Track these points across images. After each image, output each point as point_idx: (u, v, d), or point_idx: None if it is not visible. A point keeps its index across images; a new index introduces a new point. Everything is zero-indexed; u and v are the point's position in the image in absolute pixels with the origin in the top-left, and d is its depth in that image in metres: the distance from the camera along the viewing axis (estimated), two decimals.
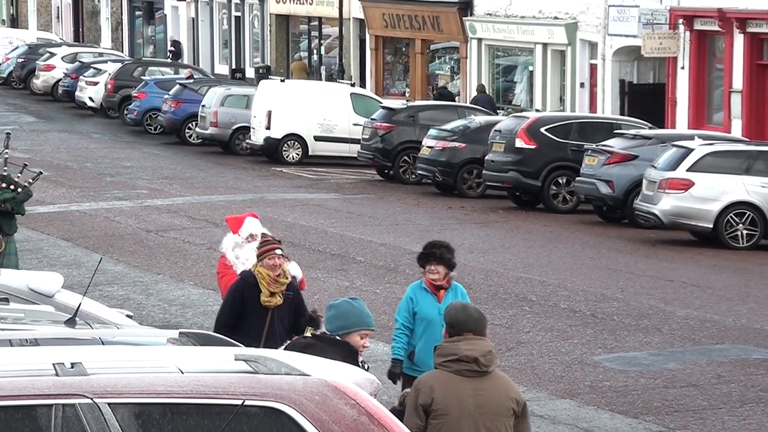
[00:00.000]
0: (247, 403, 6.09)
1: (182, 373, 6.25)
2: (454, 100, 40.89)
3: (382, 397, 8.08)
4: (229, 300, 11.59)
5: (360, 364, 8.48)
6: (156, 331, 8.92)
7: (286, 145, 37.29)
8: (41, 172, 17.09)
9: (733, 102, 35.38)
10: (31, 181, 16.42)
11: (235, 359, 6.38)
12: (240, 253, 12.61)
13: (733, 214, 25.47)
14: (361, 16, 48.36)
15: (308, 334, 10.67)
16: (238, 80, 49.38)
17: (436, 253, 11.28)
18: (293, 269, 12.13)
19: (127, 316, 11.12)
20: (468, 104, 38.80)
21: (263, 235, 12.17)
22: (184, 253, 22.95)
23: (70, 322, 7.78)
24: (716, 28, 35.78)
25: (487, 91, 41.54)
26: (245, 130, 38.31)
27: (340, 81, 44.74)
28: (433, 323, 11.11)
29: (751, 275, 22.51)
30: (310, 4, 51.04)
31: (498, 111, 38.68)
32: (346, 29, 48.80)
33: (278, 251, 11.50)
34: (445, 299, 11.13)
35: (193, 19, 59.38)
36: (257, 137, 37.50)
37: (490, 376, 7.83)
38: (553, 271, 22.17)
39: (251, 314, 11.43)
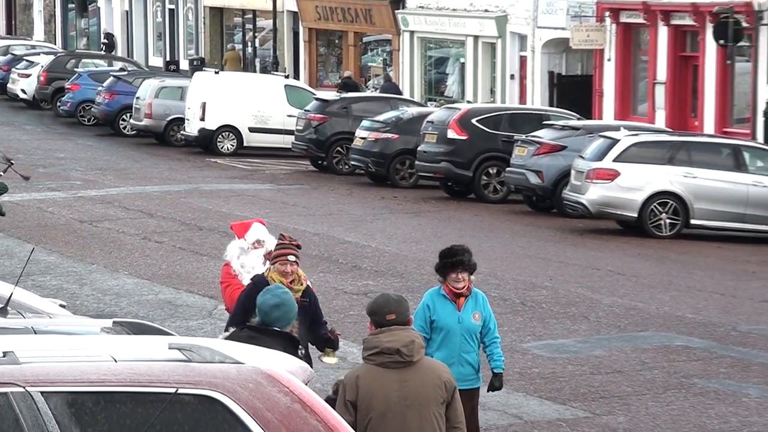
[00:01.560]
0: (180, 391, 6.07)
1: (115, 361, 6.22)
2: (358, 90, 40.96)
3: (315, 385, 8.08)
4: (240, 307, 10.48)
5: (299, 353, 8.48)
6: (89, 320, 8.87)
7: (220, 136, 37.16)
8: (11, 162, 16.74)
9: (657, 93, 35.65)
10: (2, 173, 16.10)
11: (169, 348, 6.36)
12: (246, 261, 11.57)
13: (657, 204, 25.67)
14: (295, 9, 48.29)
15: (327, 360, 10.68)
16: (172, 72, 49.13)
17: (463, 261, 10.26)
18: None
19: (60, 305, 11.03)
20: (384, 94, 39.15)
21: (280, 236, 10.96)
22: (118, 244, 22.82)
23: (2, 312, 7.72)
24: (641, 20, 36.03)
25: (393, 80, 42.19)
26: (180, 121, 38.13)
27: (274, 73, 44.64)
28: (453, 332, 10.25)
29: (673, 264, 22.70)
30: None
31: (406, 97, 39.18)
32: (280, 22, 48.66)
33: (291, 257, 10.59)
34: (465, 307, 10.30)
35: (126, 11, 59.03)
36: (192, 128, 37.35)
37: (416, 366, 7.78)
38: (484, 260, 22.17)
39: None
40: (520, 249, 23.73)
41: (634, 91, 37.06)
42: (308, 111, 34.83)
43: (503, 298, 19.04)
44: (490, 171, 30.22)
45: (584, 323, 17.64)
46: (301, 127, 34.69)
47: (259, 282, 10.37)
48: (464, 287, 10.28)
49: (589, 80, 37.94)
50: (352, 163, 32.95)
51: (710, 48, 33.89)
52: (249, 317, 9.43)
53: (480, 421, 13.08)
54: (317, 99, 35.77)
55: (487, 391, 10.47)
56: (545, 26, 38.71)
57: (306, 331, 10.41)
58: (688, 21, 34.72)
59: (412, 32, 43.73)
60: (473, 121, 30.50)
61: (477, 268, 10.49)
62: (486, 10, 40.73)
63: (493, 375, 10.30)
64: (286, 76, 42.64)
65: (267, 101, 37.18)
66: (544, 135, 28.70)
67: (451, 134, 30.26)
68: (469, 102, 37.96)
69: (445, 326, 10.22)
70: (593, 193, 25.82)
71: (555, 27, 38.23)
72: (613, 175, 25.80)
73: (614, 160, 25.90)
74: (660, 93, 35.53)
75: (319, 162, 34.89)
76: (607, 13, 36.83)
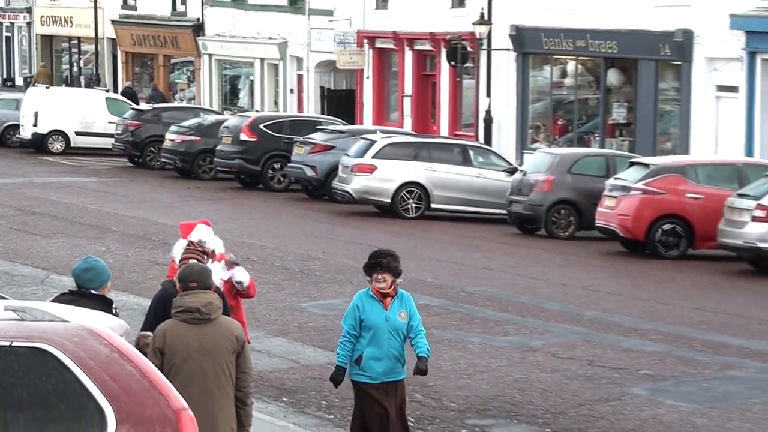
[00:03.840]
0: (15, 344, 5.90)
1: None
2: (164, 100, 41.12)
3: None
4: (152, 310, 9.12)
5: (113, 311, 8.29)
6: None
7: (51, 138, 36.45)
8: None
9: (405, 104, 36.07)
10: None
11: (5, 309, 6.19)
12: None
13: (405, 192, 25.98)
14: (114, 36, 47.51)
15: None
16: (8, 87, 48.11)
17: (383, 263, 9.24)
18: (239, 274, 10.19)
19: None
20: (190, 105, 39.06)
21: (189, 242, 9.48)
22: None
23: None
24: (392, 46, 36.38)
25: (158, 89, 43.21)
26: (15, 127, 37.47)
27: (97, 88, 43.86)
28: (380, 330, 9.22)
29: (417, 239, 22.98)
30: (71, 26, 49.88)
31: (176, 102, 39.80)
32: (101, 46, 47.88)
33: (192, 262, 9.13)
34: (392, 307, 9.28)
35: None
36: (26, 132, 36.71)
37: (213, 322, 7.70)
38: (270, 237, 22.18)
39: None
40: (298, 228, 23.74)
41: (388, 102, 37.43)
42: (126, 118, 34.53)
43: (285, 268, 19.01)
44: (275, 166, 30.17)
45: (349, 287, 17.72)
46: (120, 131, 34.31)
47: (168, 287, 8.90)
48: (387, 287, 9.21)
49: (352, 94, 38.16)
50: (163, 160, 32.52)
51: (444, 68, 34.44)
52: (160, 321, 8.21)
53: (266, 366, 13.05)
54: (133, 108, 35.54)
55: (414, 374, 9.40)
56: (317, 50, 38.79)
57: None
58: (427, 47, 35.21)
59: (210, 55, 43.40)
60: (261, 126, 30.41)
61: (402, 272, 9.33)
62: (270, 38, 40.70)
63: (418, 359, 9.25)
64: (107, 91, 41.88)
65: (91, 110, 36.71)
66: (318, 137, 28.76)
67: (243, 137, 30.11)
68: (257, 111, 37.85)
69: (373, 325, 9.22)
70: (356, 184, 26.00)
71: (325, 51, 38.34)
72: (371, 168, 26.01)
73: (373, 157, 26.12)
74: (407, 104, 35.97)
75: (135, 159, 34.40)
76: (366, 41, 37.10)
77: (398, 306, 9.28)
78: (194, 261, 8.31)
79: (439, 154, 26.42)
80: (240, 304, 10.46)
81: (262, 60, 41.20)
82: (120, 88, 46.52)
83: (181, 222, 10.47)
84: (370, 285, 9.29)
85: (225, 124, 31.05)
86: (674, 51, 29.04)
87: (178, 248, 9.77)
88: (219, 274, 9.80)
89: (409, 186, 25.93)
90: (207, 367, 7.61)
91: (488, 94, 32.59)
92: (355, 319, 9.26)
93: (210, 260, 9.43)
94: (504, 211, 24.90)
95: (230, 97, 43.75)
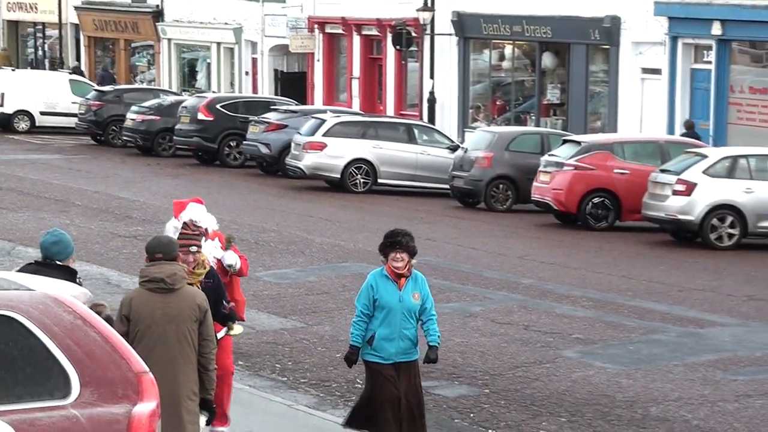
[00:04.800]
0: None
1: None
2: (114, 81, 40.84)
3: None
4: None
5: (77, 280, 8.21)
6: None
7: (17, 118, 36.00)
8: None
9: (353, 85, 35.97)
10: None
11: None
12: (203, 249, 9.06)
13: (354, 168, 25.94)
14: (77, 22, 46.96)
15: (233, 332, 9.06)
16: None
17: (402, 242, 8.66)
18: (228, 258, 9.39)
19: None
20: (149, 86, 38.78)
21: (184, 224, 8.67)
22: None
23: None
24: (341, 31, 36.24)
25: (109, 70, 43.32)
26: None
27: (61, 70, 43.36)
28: (394, 311, 8.64)
29: (366, 212, 22.99)
30: (36, 12, 49.27)
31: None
32: (65, 31, 47.32)
33: (193, 248, 8.51)
34: (406, 287, 8.69)
35: None
36: None
37: (178, 292, 7.65)
38: (227, 211, 22.06)
39: None
40: (254, 202, 23.65)
41: (337, 84, 37.31)
42: (89, 99, 34.15)
43: (241, 239, 18.90)
44: (231, 144, 30.01)
45: (301, 257, 17.71)
46: (83, 111, 33.95)
47: None
48: (403, 267, 8.64)
49: (304, 76, 38.00)
50: (124, 138, 32.24)
51: (390, 52, 34.37)
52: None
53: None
54: (96, 90, 35.09)
55: (423, 363, 8.85)
56: (271, 35, 38.57)
57: (213, 306, 8.39)
58: (374, 32, 35.11)
59: (169, 39, 43.01)
60: (218, 106, 30.22)
61: (417, 251, 8.84)
62: (226, 23, 40.40)
63: (429, 347, 8.75)
64: (71, 73, 41.43)
65: (55, 92, 36.33)
66: (272, 116, 28.63)
67: (201, 116, 29.93)
68: (214, 92, 37.61)
69: (387, 305, 8.62)
70: (308, 160, 25.92)
71: (278, 36, 38.12)
72: (322, 146, 25.94)
73: (323, 135, 26.04)
74: (355, 85, 35.87)
75: (98, 138, 34.08)
76: (316, 26, 36.93)
77: (412, 287, 8.70)
78: (161, 237, 8.07)
79: (385, 133, 26.41)
80: (235, 282, 9.68)
81: (219, 44, 40.92)
82: (87, 72, 46.10)
83: (174, 200, 9.62)
84: (385, 265, 8.68)
85: (183, 104, 30.84)
86: (603, 36, 29.20)
87: (170, 227, 8.94)
88: (213, 252, 9.21)
89: (358, 162, 25.92)
90: (170, 333, 7.58)
91: (431, 77, 32.60)
92: (369, 298, 8.65)
93: (204, 239, 8.85)
94: (446, 186, 24.96)
95: (188, 79, 43.43)
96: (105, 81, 39.79)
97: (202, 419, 7.63)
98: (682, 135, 25.44)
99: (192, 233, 8.60)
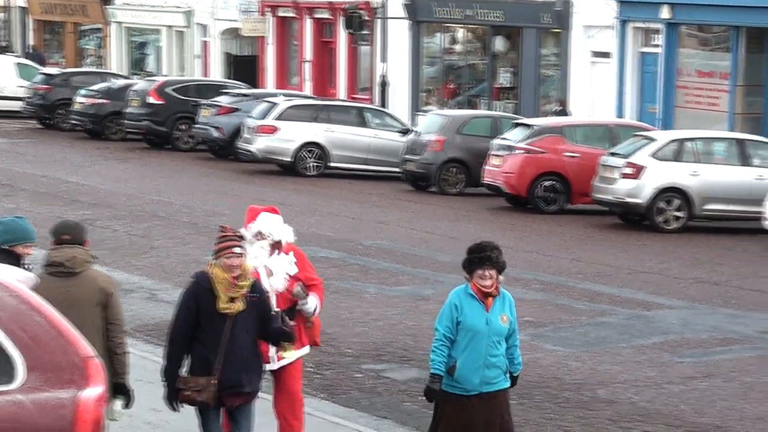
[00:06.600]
0: None
1: None
2: (42, 61, 40.36)
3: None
4: (183, 308, 7.54)
5: (24, 266, 8.13)
6: None
7: None
8: None
9: (305, 69, 35.89)
10: None
11: None
12: (249, 249, 7.89)
13: (305, 151, 25.92)
14: (24, 5, 46.46)
15: (286, 354, 8.08)
16: None
17: (492, 257, 7.39)
18: (311, 304, 8.20)
19: None
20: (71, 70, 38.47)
21: (221, 228, 7.64)
22: None
23: None
24: (293, 14, 36.13)
25: (38, 50, 43.16)
26: None
27: (7, 54, 42.90)
28: (480, 334, 7.38)
29: (317, 196, 22.98)
30: None
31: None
32: (13, 15, 46.78)
33: (237, 249, 7.49)
34: (493, 308, 7.43)
35: None
36: None
37: (79, 276, 7.51)
38: (178, 194, 21.98)
39: (208, 323, 7.44)
40: (205, 186, 23.55)
41: (289, 68, 37.21)
42: (36, 82, 33.79)
43: (192, 223, 18.87)
44: (182, 127, 29.84)
45: None
46: (30, 95, 33.59)
47: (201, 278, 7.52)
48: (491, 286, 7.40)
49: (255, 59, 37.85)
50: (72, 122, 31.96)
51: (342, 35, 34.32)
52: (192, 316, 7.36)
53: (171, 315, 12.89)
54: (43, 73, 34.71)
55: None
56: (222, 18, 38.36)
57: (258, 325, 7.51)
58: (326, 15, 35.04)
59: (119, 23, 42.66)
60: (168, 90, 30.03)
61: (506, 266, 7.55)
62: (177, 6, 40.10)
63: (510, 376, 7.57)
64: (17, 56, 41.03)
65: (1, 75, 35.87)
66: (223, 100, 28.50)
67: (151, 100, 29.72)
68: (164, 75, 37.36)
69: (472, 328, 7.37)
70: (260, 144, 25.85)
71: (229, 19, 37.93)
72: (273, 129, 25.87)
73: (275, 119, 25.97)
74: (307, 69, 35.80)
75: (45, 121, 33.75)
76: (268, 9, 36.78)
77: (500, 308, 7.46)
78: (69, 220, 7.84)
79: (337, 116, 26.39)
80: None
81: (169, 27, 40.63)
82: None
83: (250, 206, 8.33)
84: (469, 282, 7.43)
85: (133, 87, 30.62)
86: (554, 19, 29.33)
87: (246, 235, 7.83)
88: (285, 268, 8.07)
89: (309, 146, 25.89)
90: (72, 318, 7.46)
91: (383, 60, 32.59)
92: (451, 320, 7.41)
93: (277, 252, 7.95)
94: (398, 170, 24.99)
95: (138, 62, 43.10)
96: (34, 60, 39.23)
97: (118, 403, 7.44)
98: (554, 113, 26.13)
99: (234, 235, 7.58)
